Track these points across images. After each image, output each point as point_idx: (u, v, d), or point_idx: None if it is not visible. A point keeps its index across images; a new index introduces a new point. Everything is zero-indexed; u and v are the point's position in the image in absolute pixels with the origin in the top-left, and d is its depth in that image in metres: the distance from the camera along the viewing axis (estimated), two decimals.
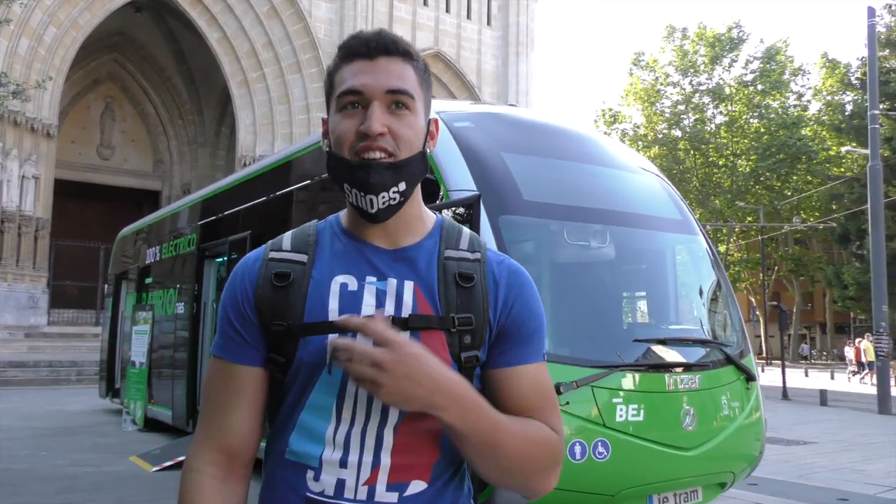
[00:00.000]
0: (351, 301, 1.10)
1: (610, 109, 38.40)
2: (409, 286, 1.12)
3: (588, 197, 5.01)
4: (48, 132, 22.89)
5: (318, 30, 26.53)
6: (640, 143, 35.28)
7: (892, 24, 30.61)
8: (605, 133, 32.82)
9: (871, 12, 15.16)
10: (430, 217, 1.21)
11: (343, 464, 1.07)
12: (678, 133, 36.38)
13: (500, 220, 4.38)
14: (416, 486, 1.09)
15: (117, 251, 12.80)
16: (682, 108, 36.20)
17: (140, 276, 10.96)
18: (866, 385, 23.20)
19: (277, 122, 26.43)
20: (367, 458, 1.07)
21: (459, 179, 4.51)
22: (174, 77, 32.76)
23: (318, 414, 1.09)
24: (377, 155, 1.09)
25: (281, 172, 7.31)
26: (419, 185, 1.17)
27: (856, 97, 35.42)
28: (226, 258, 8.06)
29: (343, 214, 1.21)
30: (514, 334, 1.14)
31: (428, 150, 1.17)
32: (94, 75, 31.58)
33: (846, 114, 35.63)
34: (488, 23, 31.03)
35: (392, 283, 1.12)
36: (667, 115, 36.51)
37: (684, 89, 36.46)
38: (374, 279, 1.12)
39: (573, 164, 5.15)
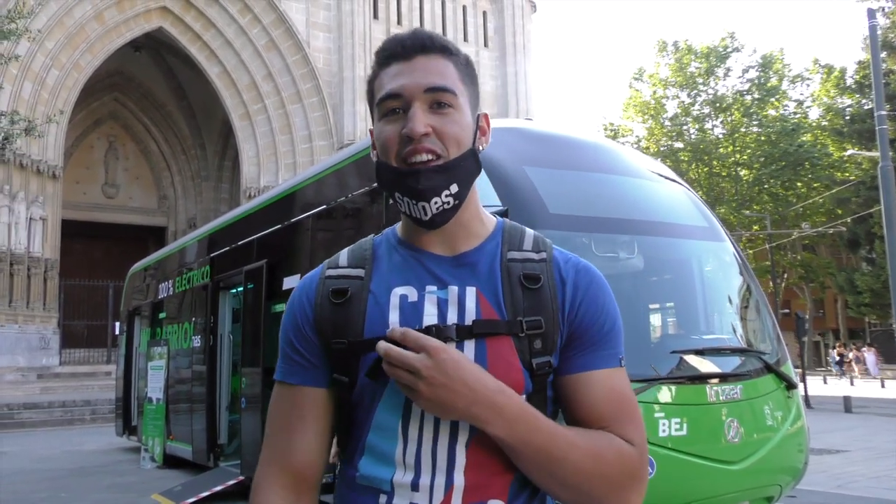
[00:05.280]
0: (412, 312, 1.05)
1: (612, 124, 38.52)
2: (471, 292, 1.06)
3: (613, 207, 4.93)
4: (54, 173, 22.97)
5: (317, 59, 26.71)
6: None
7: (888, 27, 30.69)
8: None
9: (871, 14, 15.15)
10: (490, 220, 1.15)
11: (415, 486, 1.01)
12: (680, 145, 36.41)
13: None
14: None
15: (129, 287, 12.73)
16: (683, 119, 36.27)
17: (153, 311, 10.87)
18: None
19: (280, 152, 26.51)
20: (440, 479, 1.01)
21: (484, 196, 4.42)
22: (175, 113, 32.99)
23: (385, 434, 1.04)
24: (424, 157, 1.04)
25: (294, 199, 7.25)
26: (474, 187, 1.11)
27: (853, 101, 35.43)
28: (241, 288, 7.97)
29: (399, 225, 1.16)
30: (584, 336, 1.07)
31: (480, 148, 1.11)
32: (95, 115, 31.81)
33: (846, 118, 35.61)
34: (485, 45, 31.24)
35: (453, 290, 1.07)
36: (668, 126, 36.58)
37: (683, 101, 36.58)
38: (434, 288, 1.07)
39: (596, 175, 5.09)
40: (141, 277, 12.10)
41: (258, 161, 26.55)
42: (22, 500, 7.65)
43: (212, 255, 8.93)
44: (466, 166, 1.07)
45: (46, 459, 10.89)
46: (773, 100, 35.49)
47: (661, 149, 36.07)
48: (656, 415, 3.97)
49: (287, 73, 26.49)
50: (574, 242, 4.74)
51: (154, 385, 9.97)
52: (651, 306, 5.03)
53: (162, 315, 10.54)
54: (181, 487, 7.64)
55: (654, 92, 36.90)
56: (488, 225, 1.14)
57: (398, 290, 1.07)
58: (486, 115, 1.14)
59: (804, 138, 34.63)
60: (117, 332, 16.15)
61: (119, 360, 12.93)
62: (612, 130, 37.85)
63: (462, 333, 1.03)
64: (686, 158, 35.61)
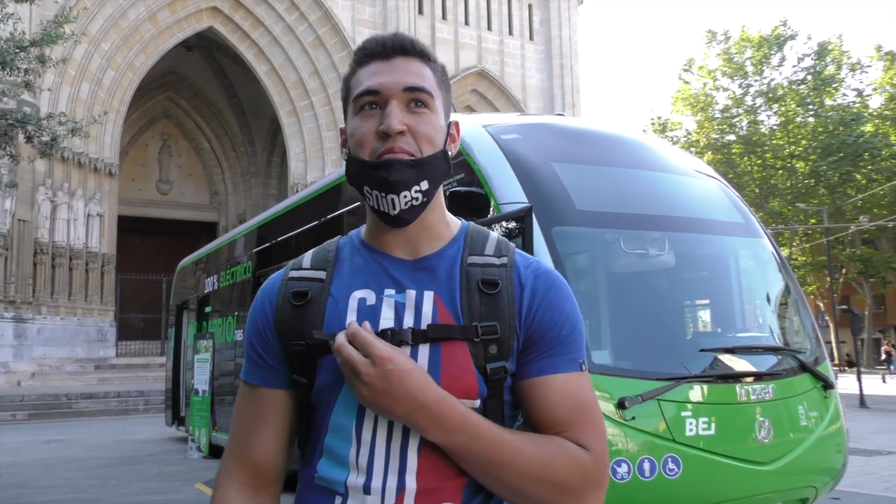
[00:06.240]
0: (370, 316, 1.06)
1: (659, 118, 37.79)
2: (428, 296, 1.07)
3: (643, 203, 4.85)
4: (110, 171, 23.77)
5: None
6: (692, 149, 34.51)
7: None
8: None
9: None
10: (454, 223, 1.16)
11: (367, 489, 1.02)
12: (732, 137, 35.49)
13: (553, 231, 4.27)
14: None
15: (178, 282, 13.10)
16: (734, 111, 35.33)
17: (200, 305, 11.17)
18: None
19: (327, 148, 26.86)
20: (392, 482, 1.01)
21: (509, 192, 4.43)
22: (225, 111, 33.72)
23: (340, 436, 1.05)
24: (398, 157, 1.06)
25: (330, 196, 7.36)
26: (441, 191, 1.13)
27: None
28: None
29: (364, 228, 1.17)
30: (542, 341, 1.07)
31: (449, 152, 1.12)
32: (150, 114, 32.74)
33: None
34: (531, 38, 31.01)
35: (411, 294, 1.08)
36: (718, 119, 35.69)
37: (734, 92, 35.63)
38: (392, 292, 1.08)
39: (625, 171, 5.01)
40: (188, 272, 12.45)
41: (305, 157, 26.97)
42: (74, 486, 7.98)
43: (254, 250, 9.14)
44: (438, 165, 1.09)
45: (100, 447, 11.32)
46: (830, 88, 34.25)
47: (712, 141, 35.24)
48: (683, 413, 3.92)
49: (333, 69, 26.80)
50: (602, 239, 4.71)
51: (200, 377, 10.25)
52: (682, 303, 4.95)
53: (208, 309, 10.83)
54: None
55: (704, 84, 36.04)
56: (453, 228, 1.15)
57: (357, 294, 1.08)
58: (456, 124, 1.16)
59: (864, 128, 33.34)
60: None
61: (168, 352, 13.34)
62: (660, 124, 37.13)
63: (417, 338, 1.04)
64: (738, 151, 34.70)
